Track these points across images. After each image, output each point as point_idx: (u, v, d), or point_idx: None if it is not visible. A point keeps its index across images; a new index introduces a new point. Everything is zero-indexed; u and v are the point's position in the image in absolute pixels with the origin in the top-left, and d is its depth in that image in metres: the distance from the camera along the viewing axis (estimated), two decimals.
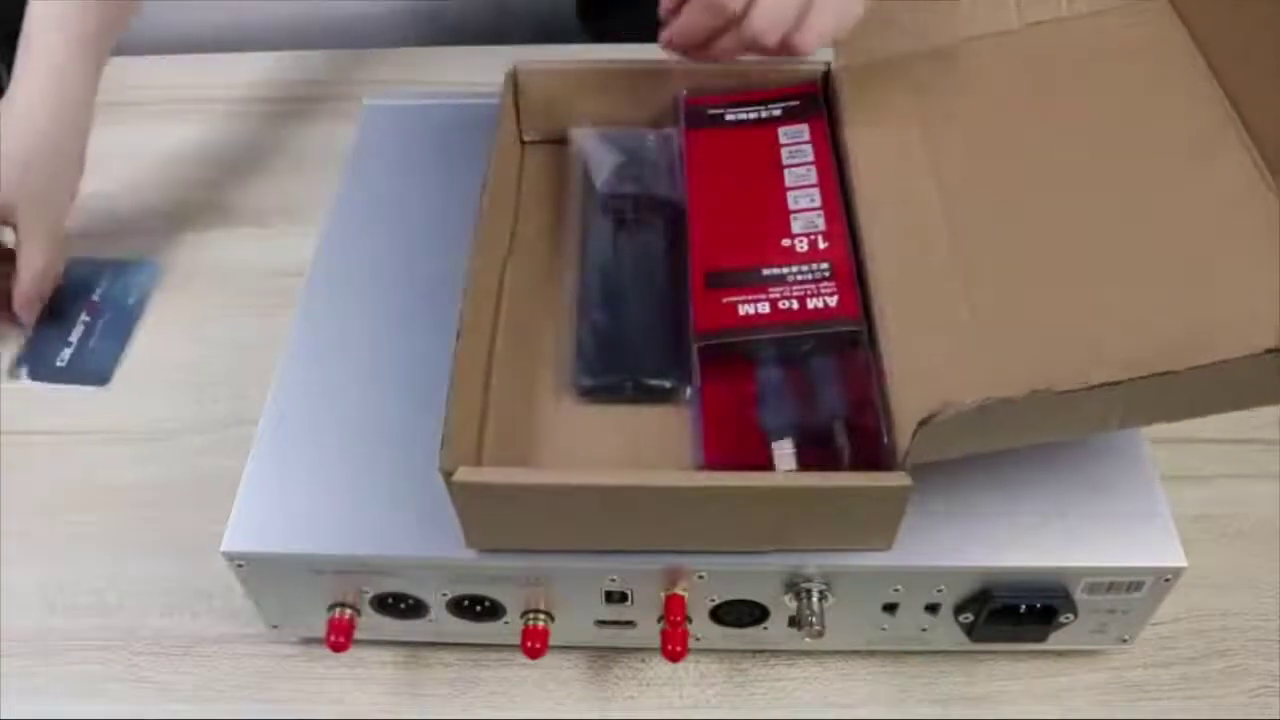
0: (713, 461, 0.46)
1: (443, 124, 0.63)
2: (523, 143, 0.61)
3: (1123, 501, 0.47)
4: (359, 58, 0.83)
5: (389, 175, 0.61)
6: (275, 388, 0.51)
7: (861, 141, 0.54)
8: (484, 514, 0.43)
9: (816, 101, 0.57)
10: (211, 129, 0.78)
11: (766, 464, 0.44)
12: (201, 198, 0.73)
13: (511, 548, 0.45)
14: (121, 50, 0.88)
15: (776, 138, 0.56)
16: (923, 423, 0.38)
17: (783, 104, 0.57)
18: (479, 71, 0.62)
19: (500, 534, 0.44)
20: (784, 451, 0.45)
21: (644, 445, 0.48)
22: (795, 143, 0.56)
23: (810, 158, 0.55)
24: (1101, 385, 0.37)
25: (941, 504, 0.46)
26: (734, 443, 0.46)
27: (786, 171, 0.54)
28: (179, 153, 0.76)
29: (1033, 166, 0.50)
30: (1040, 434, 0.42)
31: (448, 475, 0.41)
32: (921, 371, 0.44)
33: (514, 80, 0.58)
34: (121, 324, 0.66)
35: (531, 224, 0.57)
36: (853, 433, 0.45)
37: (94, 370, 0.64)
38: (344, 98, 0.79)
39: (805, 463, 0.44)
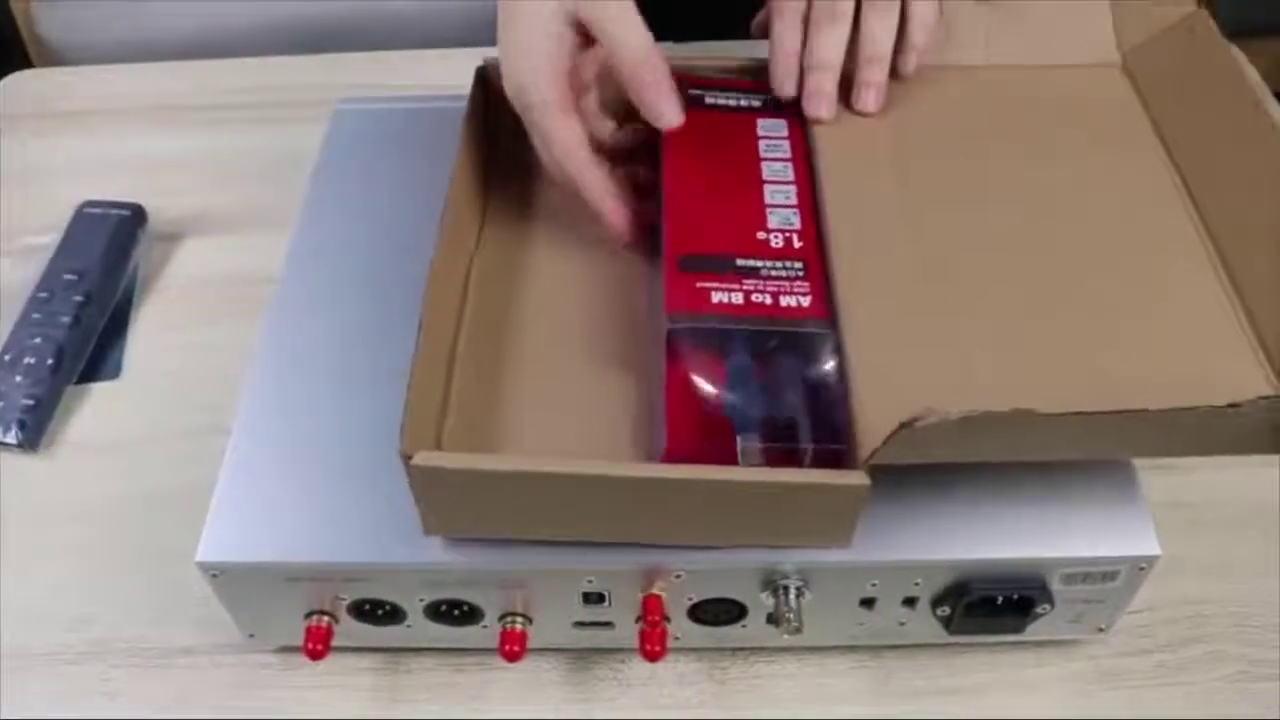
0: (675, 453, 0.45)
1: (416, 127, 0.62)
2: (497, 140, 0.60)
3: (1097, 490, 0.47)
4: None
5: (360, 179, 0.60)
6: (246, 396, 0.51)
7: (831, 143, 0.54)
8: (442, 500, 0.43)
9: (795, 99, 0.57)
10: (185, 136, 0.77)
11: (730, 458, 0.44)
12: (175, 205, 0.72)
13: (469, 534, 0.45)
14: (93, 59, 0.88)
15: (755, 129, 0.56)
16: (904, 425, 0.38)
17: (762, 96, 0.57)
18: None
19: (458, 520, 0.44)
20: (748, 446, 0.44)
21: (609, 435, 0.48)
22: (774, 137, 0.55)
23: (788, 154, 0.55)
24: (1091, 413, 0.38)
25: (916, 497, 0.46)
26: (698, 435, 0.45)
27: (764, 165, 0.54)
28: (152, 160, 0.76)
29: (995, 196, 0.52)
30: (1014, 452, 0.43)
31: (407, 459, 0.40)
32: (884, 375, 0.44)
33: (484, 77, 0.58)
34: (114, 325, 0.66)
35: (500, 220, 0.57)
36: (817, 431, 0.45)
37: (103, 367, 0.64)
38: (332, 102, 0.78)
39: (770, 458, 0.44)
